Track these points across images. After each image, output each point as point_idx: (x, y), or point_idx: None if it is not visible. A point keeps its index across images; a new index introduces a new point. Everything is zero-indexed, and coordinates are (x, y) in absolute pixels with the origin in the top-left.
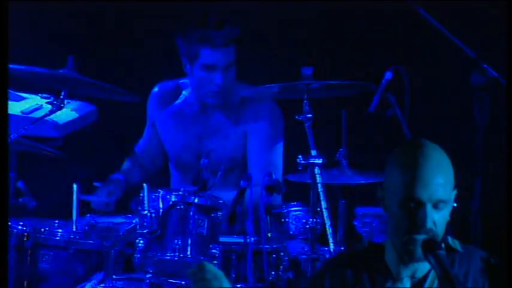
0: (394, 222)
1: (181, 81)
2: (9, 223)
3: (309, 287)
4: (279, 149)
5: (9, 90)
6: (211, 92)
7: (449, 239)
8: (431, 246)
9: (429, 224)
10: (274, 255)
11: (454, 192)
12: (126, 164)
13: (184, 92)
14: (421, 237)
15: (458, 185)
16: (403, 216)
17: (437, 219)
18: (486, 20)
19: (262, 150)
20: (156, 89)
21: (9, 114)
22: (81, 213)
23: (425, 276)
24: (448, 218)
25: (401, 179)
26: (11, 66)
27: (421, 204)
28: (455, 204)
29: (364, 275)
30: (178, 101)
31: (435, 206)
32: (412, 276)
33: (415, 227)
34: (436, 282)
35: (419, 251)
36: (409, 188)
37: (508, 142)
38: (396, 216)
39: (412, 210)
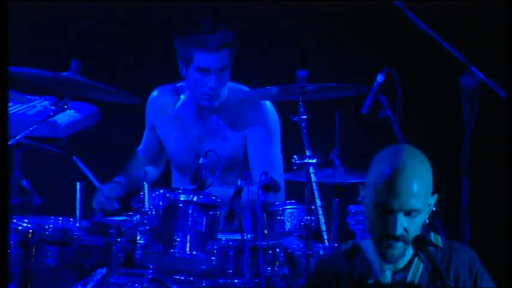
0: (370, 223)
1: (178, 84)
2: (14, 220)
3: None
4: (278, 149)
5: (14, 92)
6: (205, 95)
7: (432, 235)
8: (421, 243)
9: (399, 232)
10: (270, 252)
11: (435, 197)
12: (127, 167)
13: (182, 96)
14: (392, 242)
15: (447, 185)
16: (376, 219)
17: (409, 226)
18: (478, 22)
19: (262, 151)
20: (154, 93)
21: (15, 115)
22: (85, 214)
23: (408, 267)
24: (422, 222)
25: (376, 185)
26: (16, 68)
27: (391, 212)
28: (434, 209)
29: (347, 275)
30: (177, 104)
31: (407, 214)
32: (394, 269)
33: (386, 233)
34: (419, 273)
35: (390, 254)
36: (381, 196)
37: (508, 143)
38: (371, 218)
39: (384, 216)
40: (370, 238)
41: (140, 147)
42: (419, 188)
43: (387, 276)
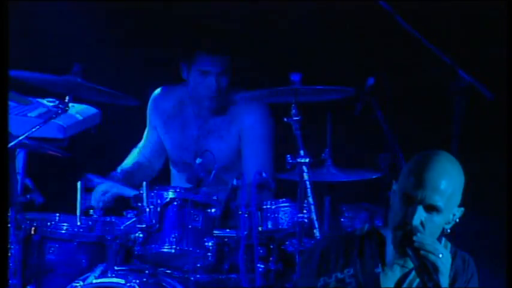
0: (392, 214)
1: (179, 86)
2: (18, 218)
3: (304, 260)
4: (271, 149)
5: (18, 95)
6: (206, 97)
7: (443, 240)
8: (409, 239)
9: (415, 222)
10: (264, 248)
11: (461, 210)
12: (126, 164)
13: (181, 97)
14: (407, 233)
15: None
16: (398, 209)
17: (427, 222)
18: (468, 24)
19: (256, 150)
20: (155, 94)
21: (18, 117)
22: (85, 212)
23: (412, 268)
24: (442, 227)
25: (407, 177)
26: (19, 71)
27: (413, 202)
28: (457, 220)
29: (356, 258)
30: (176, 105)
31: (427, 209)
32: (403, 266)
33: (403, 222)
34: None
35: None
36: (407, 185)
37: (508, 143)
38: (395, 209)
39: (405, 205)
40: (389, 229)
41: (140, 145)
42: (445, 187)
43: (395, 270)
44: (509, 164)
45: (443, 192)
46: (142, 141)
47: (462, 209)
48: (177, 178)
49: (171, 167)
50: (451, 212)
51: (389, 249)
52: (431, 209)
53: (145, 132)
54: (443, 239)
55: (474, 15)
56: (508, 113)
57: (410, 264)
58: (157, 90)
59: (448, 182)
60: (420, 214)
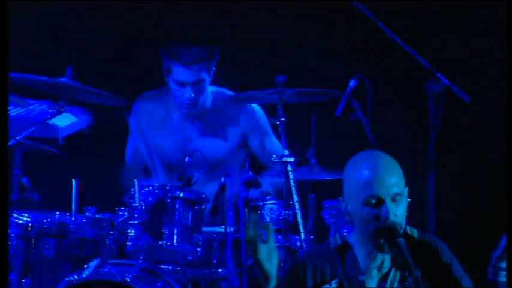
0: (360, 222)
1: (164, 89)
2: (15, 215)
3: (290, 275)
4: (275, 138)
5: (15, 97)
6: (183, 104)
7: (408, 228)
8: (391, 235)
9: (392, 217)
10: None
11: (406, 189)
12: (121, 181)
13: (168, 100)
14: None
15: (414, 181)
16: (367, 213)
17: (397, 211)
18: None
19: (265, 145)
20: (140, 98)
21: (15, 117)
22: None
23: (391, 268)
24: (405, 210)
25: (361, 181)
26: (16, 74)
27: (381, 201)
28: (409, 199)
29: (339, 270)
30: (163, 108)
31: (393, 199)
32: (380, 267)
33: (380, 223)
34: (397, 277)
35: (387, 246)
36: (369, 188)
37: (508, 144)
38: (361, 216)
39: (375, 207)
40: (357, 237)
41: (128, 157)
42: (397, 176)
43: (373, 274)
44: (510, 163)
45: (398, 180)
46: (129, 151)
47: (407, 188)
48: (168, 177)
49: (158, 168)
50: (405, 193)
51: (360, 254)
52: (394, 197)
53: (130, 141)
54: (408, 227)
55: (471, 15)
56: (508, 112)
57: (387, 264)
58: (142, 95)
59: (395, 171)
60: (392, 208)
